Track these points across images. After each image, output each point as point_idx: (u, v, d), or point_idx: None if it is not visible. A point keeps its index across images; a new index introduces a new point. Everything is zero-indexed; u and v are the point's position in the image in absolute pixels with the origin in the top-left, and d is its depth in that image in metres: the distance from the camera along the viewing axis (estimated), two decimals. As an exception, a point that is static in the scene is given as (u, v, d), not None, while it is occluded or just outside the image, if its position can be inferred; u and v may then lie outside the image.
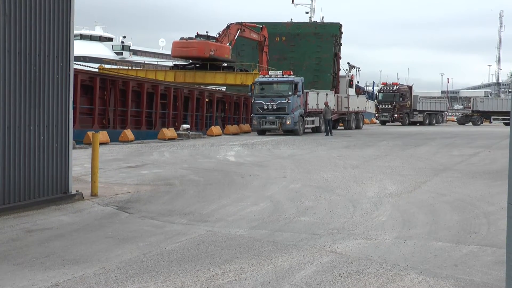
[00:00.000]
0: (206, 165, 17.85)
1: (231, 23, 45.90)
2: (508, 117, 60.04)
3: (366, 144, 26.85)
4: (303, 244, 7.86)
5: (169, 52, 51.28)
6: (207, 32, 45.43)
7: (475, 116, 64.06)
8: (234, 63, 47.38)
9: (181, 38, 45.13)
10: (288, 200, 11.39)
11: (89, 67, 38.66)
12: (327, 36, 51.21)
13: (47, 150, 10.51)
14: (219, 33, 45.60)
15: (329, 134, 35.45)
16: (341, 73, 53.61)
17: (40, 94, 10.33)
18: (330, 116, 36.98)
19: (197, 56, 44.46)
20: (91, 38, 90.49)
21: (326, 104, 37.48)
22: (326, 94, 40.31)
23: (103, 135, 24.85)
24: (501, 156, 20.68)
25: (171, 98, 35.03)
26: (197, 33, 45.30)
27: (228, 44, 45.85)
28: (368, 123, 60.93)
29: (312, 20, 62.55)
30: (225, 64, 46.72)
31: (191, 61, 46.50)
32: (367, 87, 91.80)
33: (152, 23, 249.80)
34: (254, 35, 48.56)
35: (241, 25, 46.50)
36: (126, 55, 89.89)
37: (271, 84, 34.97)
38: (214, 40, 44.85)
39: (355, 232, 8.60)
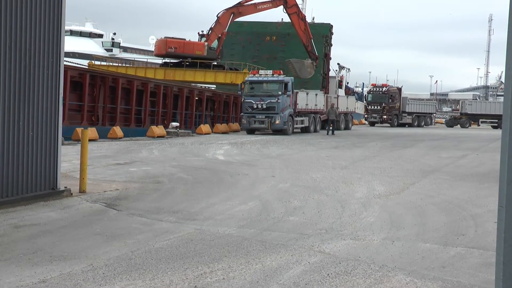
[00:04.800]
0: (195, 163, 17.83)
1: (222, 10, 44.31)
2: (496, 120, 60.48)
3: (355, 145, 26.93)
4: (292, 243, 7.87)
5: (159, 50, 51.46)
6: (202, 31, 45.52)
7: (464, 118, 64.39)
8: (224, 62, 47.18)
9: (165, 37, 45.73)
10: (276, 199, 11.40)
11: (78, 63, 38.46)
12: (317, 37, 51.12)
13: (35, 146, 10.45)
14: (211, 27, 45.21)
15: (332, 133, 37.38)
16: (331, 73, 53.64)
17: (30, 90, 10.27)
18: (335, 117, 38.72)
19: (157, 53, 46.06)
20: (81, 34, 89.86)
21: (332, 105, 40.02)
22: (316, 94, 40.48)
23: (91, 132, 24.73)
24: (488, 158, 20.82)
25: (161, 96, 34.96)
26: (198, 33, 45.76)
27: (217, 39, 45.45)
28: (357, 124, 61.10)
29: (303, 20, 62.45)
30: (215, 63, 46.56)
31: (181, 59, 46.43)
32: (357, 88, 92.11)
33: (143, 20, 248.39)
34: (265, 6, 44.61)
35: (235, 8, 43.90)
36: (116, 52, 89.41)
37: (261, 83, 35.02)
38: (204, 39, 44.69)
39: (343, 233, 8.62)
